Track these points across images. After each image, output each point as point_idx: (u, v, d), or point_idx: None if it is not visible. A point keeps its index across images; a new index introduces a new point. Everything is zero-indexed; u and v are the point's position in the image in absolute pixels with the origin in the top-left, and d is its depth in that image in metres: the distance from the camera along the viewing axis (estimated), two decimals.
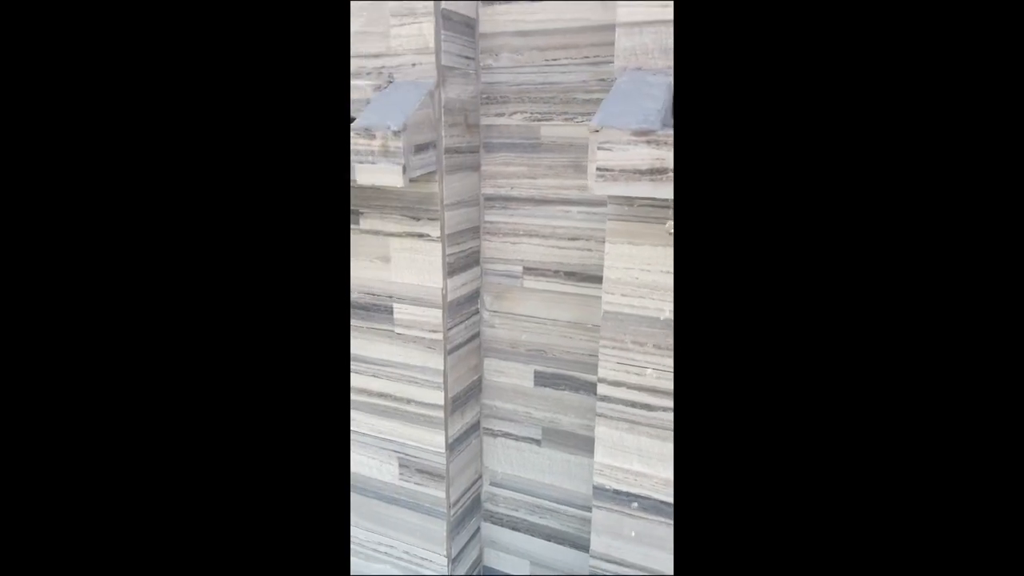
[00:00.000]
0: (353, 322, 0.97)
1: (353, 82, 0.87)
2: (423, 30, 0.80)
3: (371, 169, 0.77)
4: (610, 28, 0.81)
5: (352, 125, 0.77)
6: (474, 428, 1.06)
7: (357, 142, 0.76)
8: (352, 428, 1.03)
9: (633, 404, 0.76)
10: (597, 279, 0.93)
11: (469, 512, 1.08)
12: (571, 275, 0.95)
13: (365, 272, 0.94)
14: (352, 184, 0.82)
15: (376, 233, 0.91)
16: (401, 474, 1.01)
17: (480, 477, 1.11)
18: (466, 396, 1.02)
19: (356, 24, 0.84)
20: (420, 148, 0.79)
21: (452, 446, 0.98)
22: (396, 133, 0.74)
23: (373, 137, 0.75)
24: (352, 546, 1.10)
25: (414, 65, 0.82)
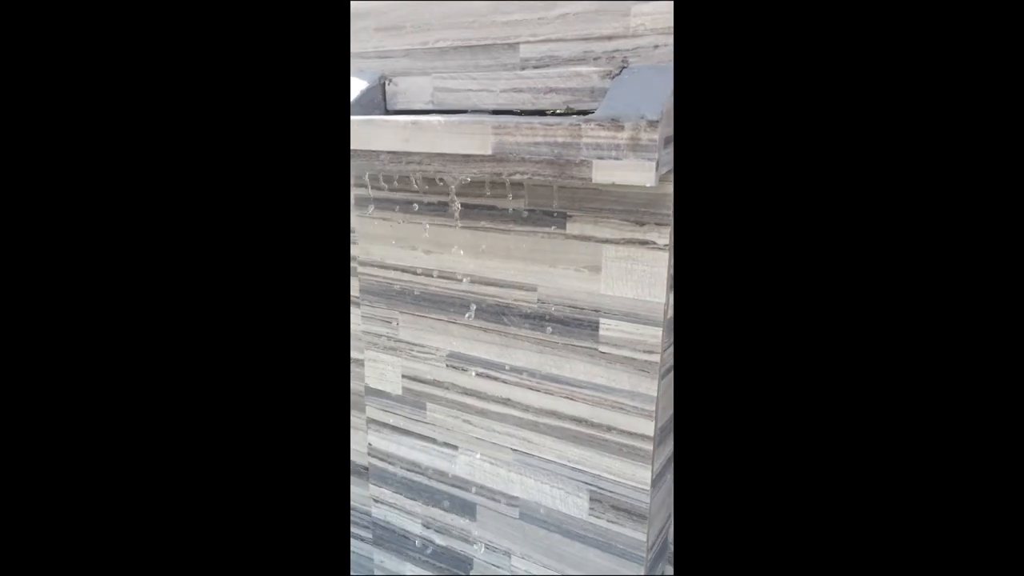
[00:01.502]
0: (546, 337, 0.88)
1: (574, 68, 0.77)
2: (672, 6, 0.69)
3: (614, 166, 0.66)
4: None
5: (593, 116, 0.67)
6: (669, 462, 0.94)
7: (598, 135, 0.66)
8: (535, 453, 0.94)
9: None
10: None
11: (659, 556, 0.96)
12: None
13: (568, 282, 0.84)
14: (577, 182, 0.72)
15: (587, 239, 0.81)
16: (592, 509, 0.90)
17: (671, 517, 0.98)
18: (668, 426, 0.90)
19: (585, 3, 0.74)
20: (666, 142, 0.68)
21: (654, 482, 0.87)
22: (652, 124, 0.63)
23: (621, 128, 0.65)
24: None
25: (656, 47, 0.71)
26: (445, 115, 0.79)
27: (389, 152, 0.81)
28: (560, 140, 0.69)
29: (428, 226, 0.94)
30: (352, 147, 0.84)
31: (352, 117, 0.84)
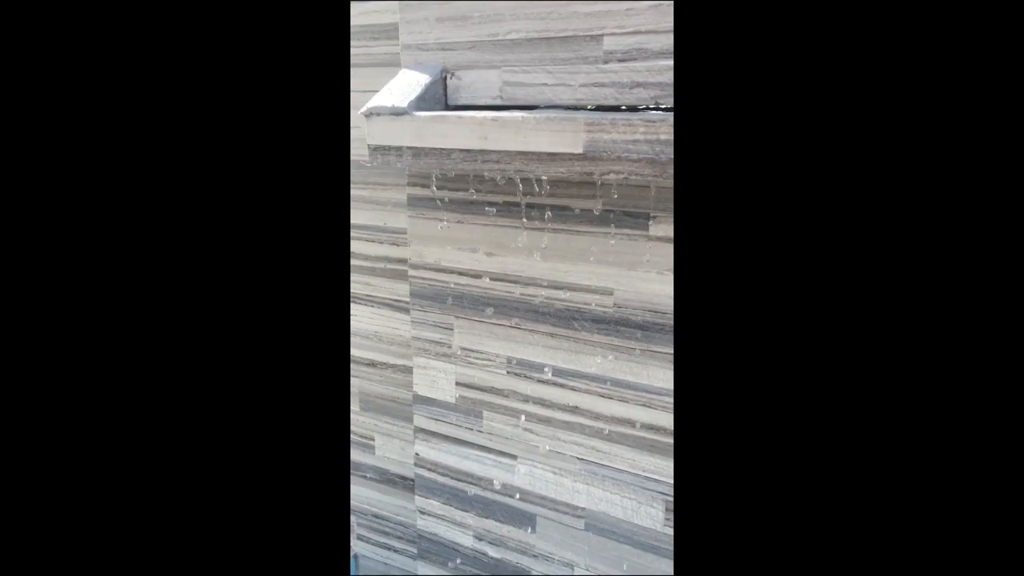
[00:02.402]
0: (624, 343, 0.84)
1: (665, 62, 0.73)
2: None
3: None
4: None
5: None
6: None
7: None
8: (604, 462, 0.90)
9: None
10: None
11: None
12: None
13: (649, 286, 0.81)
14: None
15: (671, 242, 0.78)
16: (667, 519, 0.88)
17: None
18: None
19: None
20: None
21: None
22: None
23: None
24: None
25: None
26: (525, 111, 0.75)
27: (463, 150, 0.77)
28: (664, 138, 0.65)
29: (492, 227, 0.90)
30: (419, 145, 0.79)
31: (418, 113, 0.80)
